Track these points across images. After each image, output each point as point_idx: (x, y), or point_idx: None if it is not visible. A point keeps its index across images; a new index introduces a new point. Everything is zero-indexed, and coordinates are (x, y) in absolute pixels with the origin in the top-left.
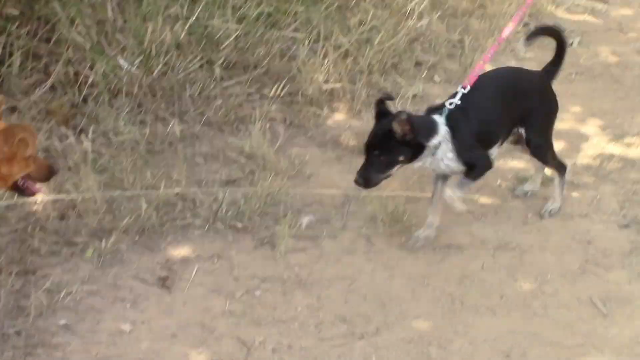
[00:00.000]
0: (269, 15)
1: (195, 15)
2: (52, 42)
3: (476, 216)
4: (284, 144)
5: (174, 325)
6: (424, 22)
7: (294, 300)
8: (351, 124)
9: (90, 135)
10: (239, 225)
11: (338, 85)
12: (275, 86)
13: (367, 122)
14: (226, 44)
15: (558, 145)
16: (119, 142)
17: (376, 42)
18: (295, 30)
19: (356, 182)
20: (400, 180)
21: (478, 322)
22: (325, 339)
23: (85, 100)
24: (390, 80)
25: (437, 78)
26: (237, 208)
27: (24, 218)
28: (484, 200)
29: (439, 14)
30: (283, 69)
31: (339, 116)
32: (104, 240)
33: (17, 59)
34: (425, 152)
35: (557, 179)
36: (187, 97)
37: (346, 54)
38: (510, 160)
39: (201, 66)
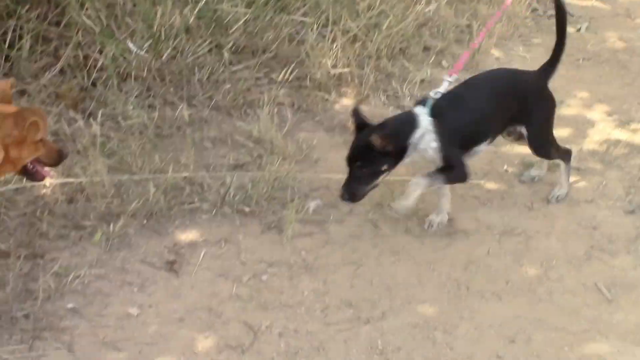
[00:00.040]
0: None
1: None
2: (61, 25)
3: (482, 202)
4: (291, 129)
5: (181, 309)
6: (432, 7)
7: (301, 284)
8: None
9: (99, 119)
10: (247, 209)
11: (346, 70)
12: (284, 71)
13: (374, 106)
14: (235, 28)
15: (564, 132)
16: (127, 126)
17: (384, 27)
18: (304, 14)
19: (342, 197)
20: (407, 165)
21: (483, 307)
22: (331, 323)
23: (94, 84)
24: (398, 65)
25: (445, 63)
26: (245, 192)
27: (32, 202)
28: (490, 185)
29: None
30: (291, 53)
31: (347, 101)
32: (112, 224)
33: (26, 42)
34: (409, 150)
35: (562, 166)
36: (196, 81)
37: (355, 39)
38: (516, 146)
39: (210, 50)
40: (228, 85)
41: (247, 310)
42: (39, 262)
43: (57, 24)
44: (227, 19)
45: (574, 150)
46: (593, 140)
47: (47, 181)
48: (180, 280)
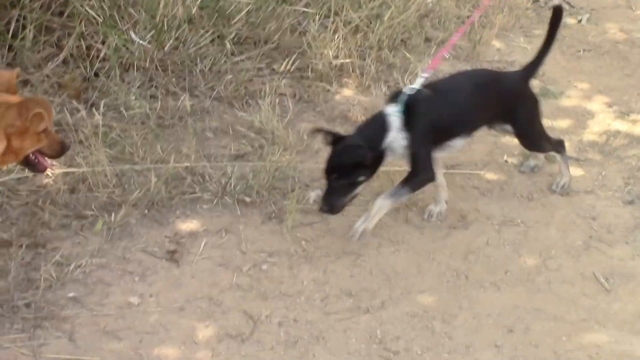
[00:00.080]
0: None
1: None
2: (65, 15)
3: (482, 192)
4: (293, 119)
5: (181, 298)
6: None
7: (301, 274)
8: (360, 99)
9: (101, 109)
10: (247, 199)
11: (348, 60)
12: (286, 61)
13: (375, 97)
14: (237, 18)
15: (564, 123)
16: (129, 116)
17: (386, 18)
18: (306, 5)
19: (321, 210)
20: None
21: (482, 297)
22: (331, 312)
23: (97, 74)
24: (399, 56)
25: (446, 54)
26: (246, 182)
27: (34, 191)
28: (490, 176)
29: None
30: (293, 44)
31: (348, 92)
32: (113, 214)
33: (30, 33)
34: (386, 155)
35: (559, 157)
36: (198, 71)
37: (356, 30)
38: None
39: (212, 41)
40: (230, 76)
41: (247, 300)
42: (41, 252)
43: (60, 14)
44: (230, 9)
45: (574, 140)
46: (593, 131)
47: (49, 172)
48: (181, 269)
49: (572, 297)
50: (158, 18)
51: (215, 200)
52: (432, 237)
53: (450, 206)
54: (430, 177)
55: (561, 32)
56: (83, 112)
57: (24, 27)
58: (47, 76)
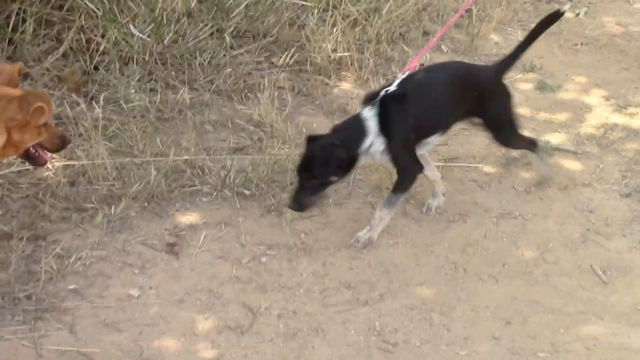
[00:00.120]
0: None
1: None
2: (64, 9)
3: (480, 185)
4: (291, 112)
5: (181, 290)
6: None
7: (300, 266)
8: (358, 93)
9: (101, 102)
10: (247, 192)
11: (346, 54)
12: (284, 55)
13: None
14: (236, 12)
15: (562, 116)
16: (129, 109)
17: (384, 12)
18: None
19: (290, 207)
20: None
21: (480, 289)
22: (330, 305)
23: (96, 67)
24: (397, 49)
25: (444, 48)
26: (245, 175)
27: (35, 184)
28: (488, 169)
29: None
30: (292, 37)
31: (347, 85)
32: (113, 207)
33: (30, 26)
34: (360, 159)
35: (531, 155)
36: (197, 65)
37: (355, 23)
38: None
39: (211, 34)
40: (229, 69)
41: (247, 292)
42: (41, 244)
43: (60, 7)
44: (229, 3)
45: (572, 133)
46: (590, 124)
47: (49, 165)
48: (181, 262)
49: (569, 289)
50: (157, 11)
51: (215, 193)
52: (431, 230)
53: (449, 199)
54: (419, 169)
55: (559, 26)
56: (83, 106)
57: (24, 21)
58: (47, 69)
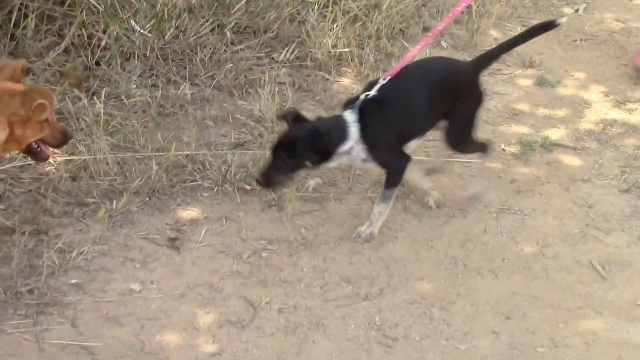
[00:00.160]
0: None
1: None
2: (66, 4)
3: (480, 181)
4: None
5: (182, 285)
6: None
7: (300, 261)
8: (358, 88)
9: (102, 97)
10: (247, 187)
11: (346, 49)
12: (285, 50)
13: None
14: (237, 7)
15: (561, 112)
16: (130, 105)
17: (384, 7)
18: None
19: (257, 181)
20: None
21: (480, 284)
22: (330, 299)
23: (98, 63)
24: (397, 45)
25: (444, 44)
26: (246, 170)
27: (37, 179)
28: (488, 164)
29: None
30: (292, 33)
31: (347, 80)
32: (115, 201)
33: (31, 22)
34: (335, 157)
35: (479, 161)
36: (198, 60)
37: (355, 19)
38: (513, 125)
39: (212, 30)
40: (230, 65)
41: (248, 287)
42: (43, 239)
43: (62, 3)
44: None
45: (571, 129)
46: (589, 120)
47: (51, 160)
48: (182, 256)
49: (568, 284)
50: (158, 7)
51: (216, 188)
52: (431, 225)
53: (448, 195)
54: (407, 162)
55: None
56: (84, 101)
57: (25, 16)
58: (49, 65)
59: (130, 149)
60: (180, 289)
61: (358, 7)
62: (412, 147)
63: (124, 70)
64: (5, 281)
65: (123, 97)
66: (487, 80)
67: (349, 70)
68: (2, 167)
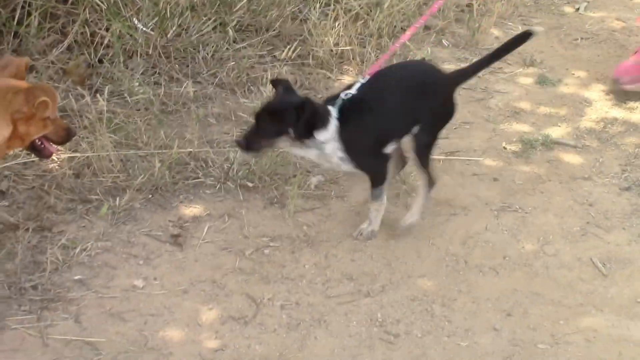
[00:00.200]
0: None
1: None
2: (69, 2)
3: (480, 178)
4: None
5: (185, 281)
6: None
7: (302, 258)
8: None
9: (105, 95)
10: (250, 184)
11: (348, 48)
12: (287, 48)
13: None
14: (239, 6)
15: (562, 110)
16: (133, 102)
17: (386, 6)
18: None
19: (237, 143)
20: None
21: (481, 281)
22: (332, 296)
23: (101, 60)
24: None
25: (445, 42)
26: (248, 168)
27: (40, 176)
28: (489, 162)
29: None
30: (294, 31)
31: (349, 79)
32: (118, 198)
33: (35, 19)
34: (310, 144)
35: (421, 191)
36: (201, 58)
37: (357, 17)
38: (514, 123)
39: (214, 28)
40: (232, 63)
41: (250, 283)
42: (47, 235)
43: (65, 1)
44: None
45: (571, 127)
46: (590, 118)
47: (54, 157)
48: (185, 253)
49: (569, 281)
50: (161, 5)
51: (218, 185)
52: (432, 223)
53: (450, 192)
54: (385, 161)
55: (559, 21)
56: (87, 98)
57: (29, 14)
58: (52, 62)
59: (133, 147)
60: (183, 285)
61: (360, 5)
62: (388, 151)
63: (127, 68)
64: (9, 277)
65: (126, 94)
66: (489, 78)
67: (351, 69)
68: (6, 164)
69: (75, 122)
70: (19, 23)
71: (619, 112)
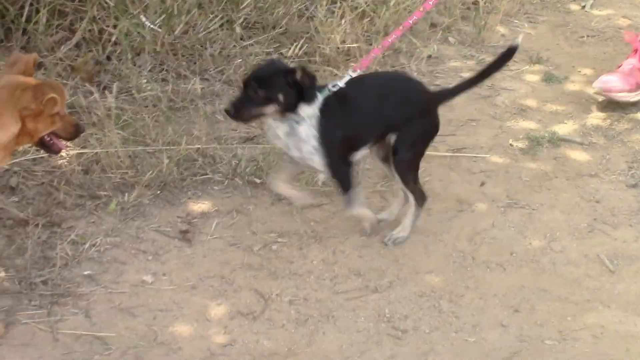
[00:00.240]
0: None
1: None
2: (77, 0)
3: (487, 175)
4: None
5: (194, 277)
6: None
7: (310, 254)
8: None
9: (113, 91)
10: (257, 181)
11: (355, 45)
12: (293, 46)
13: None
14: (246, 3)
15: (569, 107)
16: (141, 99)
17: (392, 3)
18: None
19: (226, 111)
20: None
21: (488, 277)
22: (340, 292)
23: (109, 57)
24: (405, 41)
25: (451, 39)
26: (256, 164)
27: (49, 172)
28: (495, 159)
29: None
30: (301, 29)
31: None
32: (126, 194)
33: (43, 17)
34: (293, 115)
35: (412, 208)
36: (208, 55)
37: (363, 15)
38: (521, 121)
39: (221, 25)
40: (239, 60)
41: (258, 279)
42: (57, 230)
43: None
44: None
45: (578, 125)
46: (597, 115)
47: (63, 153)
48: (193, 249)
49: (576, 278)
50: (168, 3)
51: (226, 181)
52: (439, 219)
53: (456, 189)
54: (346, 167)
55: (565, 18)
56: (96, 95)
57: (37, 11)
58: (61, 59)
59: (142, 143)
60: (191, 280)
61: (366, 3)
62: (359, 156)
63: (135, 65)
64: (19, 272)
65: (134, 91)
66: (495, 76)
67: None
68: (16, 160)
69: (83, 119)
70: (28, 20)
71: (625, 110)
